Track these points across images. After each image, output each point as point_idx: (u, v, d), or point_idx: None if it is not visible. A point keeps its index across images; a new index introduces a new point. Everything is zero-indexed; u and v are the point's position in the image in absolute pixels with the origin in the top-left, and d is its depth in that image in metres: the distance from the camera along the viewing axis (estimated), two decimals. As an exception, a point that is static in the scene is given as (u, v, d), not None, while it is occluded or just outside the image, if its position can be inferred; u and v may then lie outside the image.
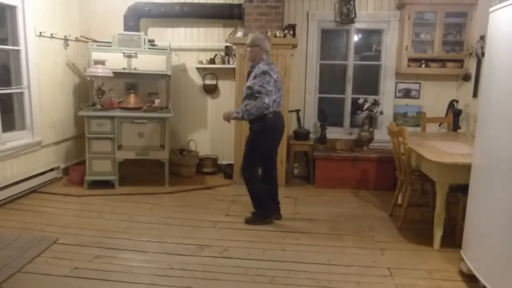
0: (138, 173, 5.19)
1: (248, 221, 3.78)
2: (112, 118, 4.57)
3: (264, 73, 3.50)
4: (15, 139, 4.27)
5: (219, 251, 3.21)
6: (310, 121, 5.44)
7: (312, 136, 5.31)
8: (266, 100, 3.48)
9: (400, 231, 3.67)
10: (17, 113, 4.42)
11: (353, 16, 5.08)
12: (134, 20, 5.12)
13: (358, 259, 3.13)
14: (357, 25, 5.20)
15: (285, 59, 4.76)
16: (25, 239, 3.25)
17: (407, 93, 5.32)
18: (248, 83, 3.63)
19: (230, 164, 5.21)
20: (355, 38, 5.36)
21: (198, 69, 5.41)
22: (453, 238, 3.37)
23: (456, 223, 3.41)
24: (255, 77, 3.56)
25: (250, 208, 3.85)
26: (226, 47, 5.24)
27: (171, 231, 3.57)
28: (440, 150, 3.42)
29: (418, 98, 5.31)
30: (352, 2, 5.06)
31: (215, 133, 5.56)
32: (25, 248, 3.09)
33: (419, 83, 5.27)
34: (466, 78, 4.89)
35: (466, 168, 2.90)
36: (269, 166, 3.90)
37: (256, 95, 3.51)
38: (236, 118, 3.72)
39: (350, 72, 5.40)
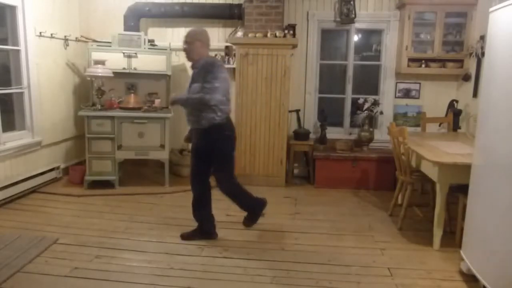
0: (138, 173, 5.19)
1: (247, 224, 3.68)
2: (112, 118, 4.57)
3: (212, 65, 3.11)
4: (15, 139, 4.27)
5: (219, 251, 3.21)
6: (310, 121, 5.44)
7: (312, 136, 5.31)
8: (210, 96, 3.03)
9: (400, 231, 3.67)
10: (17, 113, 4.42)
11: (353, 16, 5.08)
12: (134, 20, 5.12)
13: (358, 259, 3.13)
14: (357, 25, 5.20)
15: (285, 59, 4.76)
16: (25, 239, 3.25)
17: (407, 93, 5.32)
18: (195, 83, 3.15)
19: (230, 164, 5.20)
20: (355, 38, 5.36)
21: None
22: (453, 238, 3.37)
23: (456, 223, 3.41)
24: (199, 74, 3.14)
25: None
26: (226, 47, 5.24)
27: (171, 231, 3.56)
28: (440, 150, 3.42)
29: (418, 98, 5.31)
30: (352, 2, 5.06)
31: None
32: (25, 248, 3.09)
33: (419, 83, 5.27)
34: (466, 78, 4.89)
35: (466, 168, 2.90)
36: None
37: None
38: (176, 100, 3.26)
39: (350, 72, 5.40)
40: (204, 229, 3.45)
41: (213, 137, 3.20)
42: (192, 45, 3.19)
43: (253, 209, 3.64)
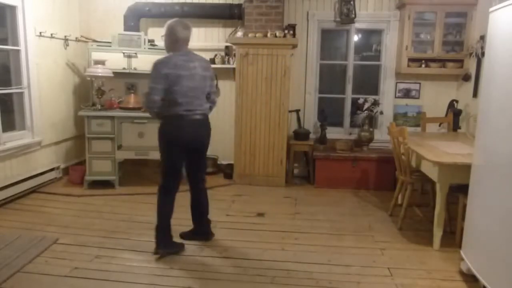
0: (138, 173, 5.19)
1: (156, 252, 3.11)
2: (112, 118, 4.57)
3: (152, 66, 2.93)
4: (15, 139, 4.27)
5: (219, 251, 3.20)
6: (310, 121, 5.44)
7: (312, 136, 5.31)
8: (145, 99, 2.95)
9: (400, 231, 3.67)
10: (17, 113, 4.42)
11: (353, 16, 5.08)
12: (134, 20, 5.12)
13: (358, 259, 3.13)
14: (357, 25, 5.20)
15: (285, 59, 4.76)
16: (25, 239, 3.25)
17: (407, 93, 5.32)
18: None
19: (230, 164, 5.21)
20: (355, 38, 5.36)
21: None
22: (453, 238, 3.37)
23: (456, 223, 3.41)
24: None
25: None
26: (226, 47, 5.24)
27: (171, 231, 3.56)
28: (440, 150, 3.42)
29: (418, 98, 5.31)
30: (352, 2, 5.06)
31: (215, 133, 5.44)
32: (25, 248, 3.09)
33: (419, 83, 5.27)
34: (466, 78, 4.89)
35: (466, 168, 2.90)
36: (193, 181, 3.30)
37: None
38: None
39: (350, 72, 5.40)
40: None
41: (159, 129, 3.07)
42: (165, 39, 3.07)
43: (160, 238, 3.08)
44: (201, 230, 3.37)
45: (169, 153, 3.05)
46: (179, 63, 2.96)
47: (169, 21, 3.07)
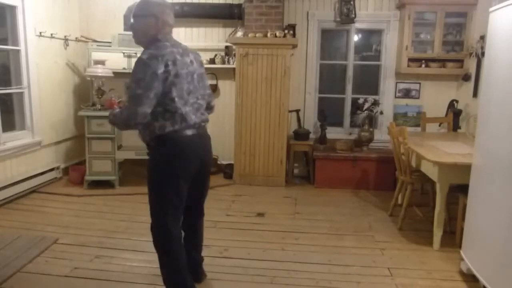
0: (138, 173, 5.18)
1: None
2: (112, 118, 4.56)
3: (141, 64, 2.10)
4: (15, 139, 4.26)
5: (219, 251, 3.20)
6: (310, 121, 5.44)
7: (312, 136, 5.30)
8: (126, 113, 2.12)
9: (400, 231, 3.67)
10: (17, 113, 4.42)
11: (353, 16, 5.08)
12: (134, 20, 5.11)
13: (358, 259, 3.13)
14: (357, 25, 5.20)
15: (285, 59, 4.76)
16: (25, 239, 3.25)
17: (407, 93, 5.32)
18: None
19: (230, 164, 5.21)
20: (355, 38, 5.35)
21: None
22: (453, 238, 3.37)
23: (456, 223, 3.40)
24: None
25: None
26: (226, 47, 5.24)
27: (171, 231, 3.56)
28: (440, 150, 3.42)
29: (418, 98, 5.31)
30: (352, 2, 5.06)
31: (215, 133, 5.48)
32: (25, 248, 3.09)
33: (419, 83, 5.27)
34: (466, 78, 4.89)
35: (466, 168, 2.90)
36: (191, 214, 2.55)
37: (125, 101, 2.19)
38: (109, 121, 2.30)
39: (350, 72, 5.40)
40: None
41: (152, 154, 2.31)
42: (140, 23, 2.23)
43: None
44: (191, 270, 2.50)
45: (175, 185, 2.25)
46: (177, 57, 2.19)
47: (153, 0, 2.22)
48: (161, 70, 2.09)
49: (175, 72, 2.15)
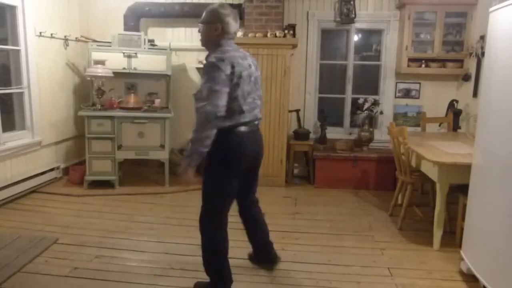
0: (138, 173, 5.19)
1: None
2: (112, 118, 4.57)
3: (211, 66, 2.30)
4: (15, 139, 4.26)
5: (219, 251, 3.20)
6: (310, 121, 5.44)
7: (312, 136, 5.31)
8: (209, 108, 2.26)
9: (400, 231, 3.67)
10: (17, 113, 4.42)
11: (353, 16, 5.08)
12: (134, 20, 5.12)
13: (358, 259, 3.13)
14: (357, 25, 5.20)
15: (285, 59, 4.76)
16: (25, 239, 3.25)
17: (407, 93, 5.32)
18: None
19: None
20: (355, 38, 5.36)
21: (198, 69, 5.40)
22: (453, 238, 3.37)
23: (456, 223, 3.41)
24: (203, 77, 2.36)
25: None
26: (226, 47, 5.23)
27: (171, 231, 3.57)
28: (440, 150, 3.42)
29: (418, 98, 5.31)
30: (352, 2, 5.06)
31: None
32: (25, 248, 3.09)
33: (419, 83, 5.27)
34: (466, 78, 4.89)
35: (466, 168, 2.90)
36: (245, 203, 2.84)
37: (197, 104, 2.32)
38: (188, 166, 2.34)
39: (350, 72, 5.40)
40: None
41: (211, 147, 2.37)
42: (205, 29, 2.48)
43: (217, 281, 2.58)
44: (265, 256, 2.95)
45: (228, 175, 2.46)
46: (239, 61, 2.39)
47: (214, 7, 2.47)
48: (228, 71, 2.30)
49: (238, 74, 2.36)
